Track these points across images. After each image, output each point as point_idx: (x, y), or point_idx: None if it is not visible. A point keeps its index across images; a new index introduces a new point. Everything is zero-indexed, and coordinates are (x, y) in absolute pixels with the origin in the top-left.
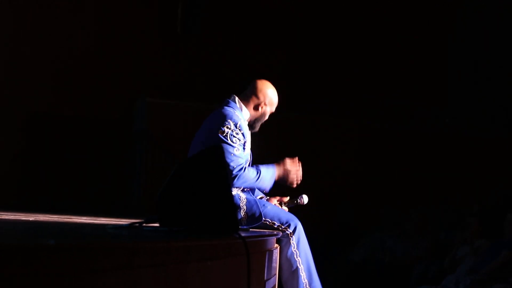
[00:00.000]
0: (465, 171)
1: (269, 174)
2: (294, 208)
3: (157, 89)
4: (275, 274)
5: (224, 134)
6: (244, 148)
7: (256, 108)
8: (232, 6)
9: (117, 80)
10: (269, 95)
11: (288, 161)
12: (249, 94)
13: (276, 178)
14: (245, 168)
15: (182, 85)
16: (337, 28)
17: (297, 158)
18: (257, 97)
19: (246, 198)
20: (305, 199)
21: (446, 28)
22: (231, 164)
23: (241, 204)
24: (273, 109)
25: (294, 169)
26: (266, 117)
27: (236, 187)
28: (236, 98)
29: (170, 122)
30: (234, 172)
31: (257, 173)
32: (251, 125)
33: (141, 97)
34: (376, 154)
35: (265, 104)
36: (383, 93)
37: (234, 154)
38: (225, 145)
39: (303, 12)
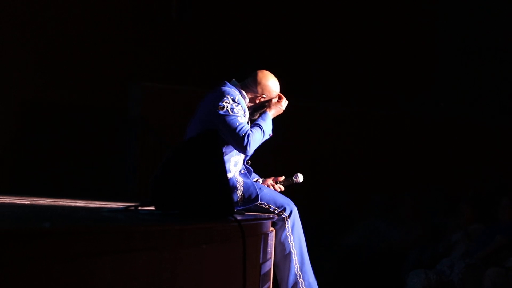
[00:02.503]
0: (459, 156)
1: (268, 123)
2: (289, 191)
3: (151, 74)
4: (271, 258)
5: (224, 109)
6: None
7: (253, 99)
8: None
9: (111, 65)
10: (268, 88)
11: (274, 101)
12: (248, 84)
13: (273, 117)
14: (249, 133)
15: (176, 70)
16: (330, 14)
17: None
18: (256, 89)
19: (243, 181)
20: (300, 177)
21: (437, 12)
22: (241, 133)
23: (238, 186)
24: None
25: (282, 101)
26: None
27: (251, 154)
28: (236, 83)
29: (164, 106)
30: (245, 141)
31: (260, 129)
32: (249, 113)
33: (135, 82)
34: (370, 139)
35: (263, 97)
36: (376, 79)
37: (240, 123)
38: (228, 118)
39: None
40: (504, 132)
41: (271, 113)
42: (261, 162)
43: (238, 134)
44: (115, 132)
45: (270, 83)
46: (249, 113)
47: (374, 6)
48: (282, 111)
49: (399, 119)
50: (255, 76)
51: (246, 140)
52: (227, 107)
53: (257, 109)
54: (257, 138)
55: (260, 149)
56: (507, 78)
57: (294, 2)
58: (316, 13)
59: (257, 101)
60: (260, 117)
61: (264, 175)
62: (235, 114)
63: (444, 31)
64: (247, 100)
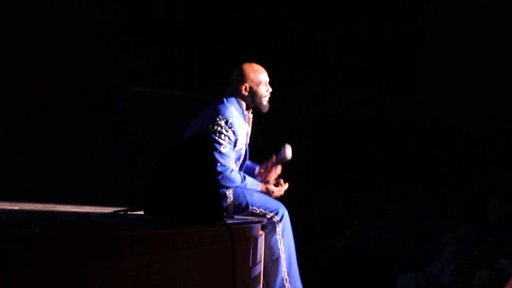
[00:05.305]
0: (448, 158)
1: (253, 185)
2: (280, 198)
3: (139, 78)
4: (261, 261)
5: (214, 130)
6: (235, 145)
7: (244, 94)
8: None
9: (98, 69)
10: (247, 75)
11: (272, 186)
12: (233, 86)
13: (259, 191)
14: (232, 169)
15: (165, 74)
16: (317, 17)
17: (281, 180)
18: (240, 85)
19: (233, 189)
20: (288, 152)
21: (425, 15)
22: (217, 161)
23: (227, 193)
24: (264, 82)
25: (277, 190)
26: (264, 93)
27: (222, 186)
28: (230, 92)
29: (153, 111)
30: (218, 168)
31: (243, 179)
32: (257, 108)
33: (123, 86)
34: (360, 141)
35: (248, 86)
36: (364, 82)
37: (220, 152)
38: (214, 143)
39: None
40: (493, 134)
41: (261, 188)
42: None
43: (215, 161)
44: (103, 136)
45: (247, 72)
46: (257, 107)
47: (361, 9)
48: (270, 194)
49: (388, 122)
50: (233, 74)
51: (219, 169)
52: (217, 129)
53: (258, 100)
54: (234, 180)
55: (250, 153)
56: (496, 81)
57: (283, 7)
58: (305, 16)
59: (247, 92)
60: (252, 179)
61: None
62: (221, 141)
63: (433, 35)
64: (245, 103)
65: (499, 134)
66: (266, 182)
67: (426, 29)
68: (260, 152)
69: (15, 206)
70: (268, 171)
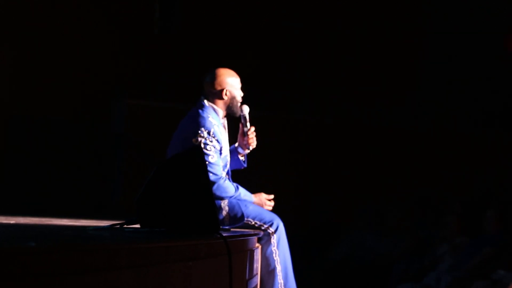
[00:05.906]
0: (444, 167)
1: (246, 196)
2: (275, 206)
3: (135, 90)
4: (257, 274)
5: (198, 142)
6: (220, 153)
7: (222, 98)
8: (211, 5)
9: (93, 81)
10: (225, 80)
11: (263, 197)
12: (210, 91)
13: (252, 202)
14: (225, 179)
15: (161, 86)
16: (308, 13)
17: (273, 196)
18: (217, 90)
19: (228, 200)
20: (245, 110)
21: (422, 14)
22: (208, 172)
23: (222, 205)
24: (238, 87)
25: (269, 204)
26: (239, 98)
27: (217, 198)
28: (205, 101)
29: (149, 123)
30: (211, 179)
31: (237, 189)
32: (232, 113)
33: (118, 98)
34: (356, 151)
35: (227, 91)
36: (362, 83)
37: (209, 162)
38: None
39: (279, 9)
40: (490, 143)
41: (252, 200)
42: (245, 178)
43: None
44: (100, 148)
45: (224, 77)
46: (231, 112)
47: (361, 9)
48: (261, 205)
49: (386, 130)
50: (208, 80)
51: (213, 179)
52: (201, 141)
53: (233, 105)
54: (228, 190)
55: (247, 160)
56: (493, 87)
57: (283, 7)
58: (305, 16)
59: (225, 97)
60: (244, 189)
61: (251, 189)
62: (208, 152)
63: (433, 35)
64: (222, 109)
65: (499, 138)
66: (248, 148)
67: (426, 29)
68: (258, 160)
69: (11, 220)
70: (246, 138)
